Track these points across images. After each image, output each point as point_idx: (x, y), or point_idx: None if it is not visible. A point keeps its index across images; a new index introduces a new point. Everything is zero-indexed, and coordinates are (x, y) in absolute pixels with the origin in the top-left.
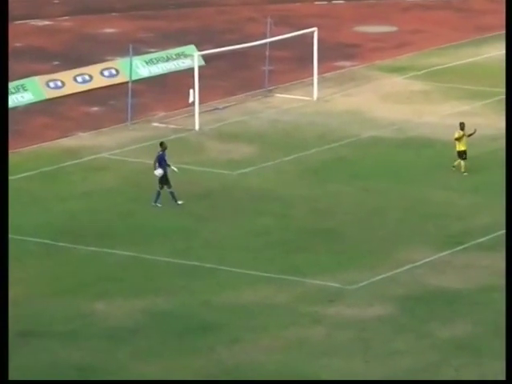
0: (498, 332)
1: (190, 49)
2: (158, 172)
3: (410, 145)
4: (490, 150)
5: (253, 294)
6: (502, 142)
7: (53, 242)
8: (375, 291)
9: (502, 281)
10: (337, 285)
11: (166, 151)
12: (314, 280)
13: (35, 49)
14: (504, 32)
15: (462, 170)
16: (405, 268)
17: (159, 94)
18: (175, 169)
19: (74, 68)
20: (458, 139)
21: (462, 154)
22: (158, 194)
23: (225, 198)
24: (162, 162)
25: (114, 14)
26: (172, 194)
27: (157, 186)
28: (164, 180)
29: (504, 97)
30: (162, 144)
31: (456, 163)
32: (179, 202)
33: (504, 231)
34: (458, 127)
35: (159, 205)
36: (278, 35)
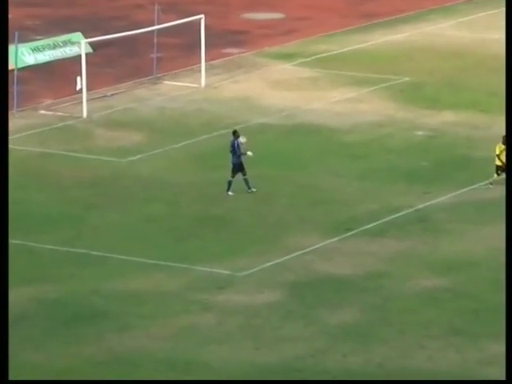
0: (386, 318)
1: (77, 36)
2: (250, 153)
3: (299, 131)
4: (376, 137)
5: (142, 281)
6: (388, 129)
7: None
8: (264, 278)
9: (389, 267)
10: (226, 272)
11: (239, 139)
12: (203, 267)
13: None
14: (391, 18)
15: (491, 180)
16: (294, 254)
17: (46, 82)
18: (250, 153)
19: None
20: (499, 154)
21: (501, 168)
22: (247, 181)
23: (114, 186)
24: (236, 150)
25: None
26: (230, 183)
27: (229, 176)
28: (237, 169)
29: (392, 83)
30: (234, 133)
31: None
32: (253, 190)
33: (391, 217)
34: (501, 140)
35: (254, 189)
36: (166, 22)
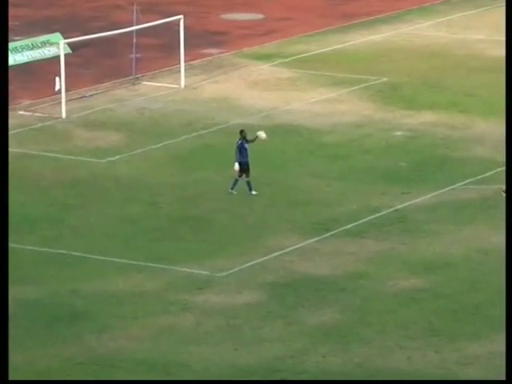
0: (365, 318)
1: (56, 37)
2: (236, 167)
3: (278, 132)
4: (355, 137)
5: (122, 282)
6: (367, 129)
7: None
8: (244, 278)
9: (368, 267)
10: (206, 272)
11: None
12: (182, 268)
13: None
14: (370, 18)
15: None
16: (273, 255)
17: (25, 83)
18: (263, 134)
19: None
20: None
21: None
22: (236, 182)
23: (93, 186)
24: (242, 150)
25: None
26: (248, 183)
27: (235, 174)
28: (244, 168)
29: (371, 83)
30: (241, 132)
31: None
32: (253, 192)
33: (370, 217)
34: None
35: (235, 192)
36: (145, 23)
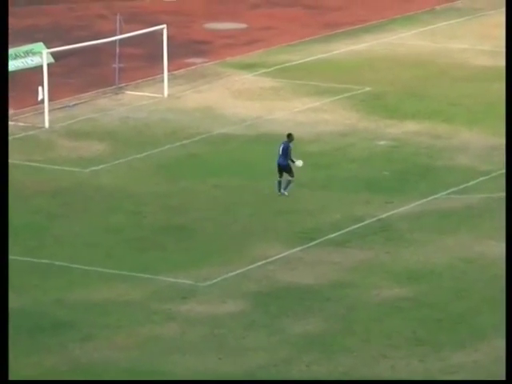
0: (349, 327)
1: (39, 46)
2: (300, 163)
3: (261, 141)
4: (339, 146)
5: (106, 291)
6: (350, 139)
7: None
8: (228, 288)
9: (352, 276)
10: (189, 282)
11: (292, 143)
12: (166, 277)
13: None
14: (353, 28)
15: None
16: (257, 264)
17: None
18: (300, 163)
19: None
20: None
21: None
22: (281, 183)
23: (76, 196)
24: (287, 152)
25: None
26: (280, 183)
27: (277, 176)
28: (287, 169)
29: (354, 93)
30: (289, 135)
31: None
32: (286, 193)
33: (354, 227)
34: None
35: (286, 193)
36: (128, 32)
